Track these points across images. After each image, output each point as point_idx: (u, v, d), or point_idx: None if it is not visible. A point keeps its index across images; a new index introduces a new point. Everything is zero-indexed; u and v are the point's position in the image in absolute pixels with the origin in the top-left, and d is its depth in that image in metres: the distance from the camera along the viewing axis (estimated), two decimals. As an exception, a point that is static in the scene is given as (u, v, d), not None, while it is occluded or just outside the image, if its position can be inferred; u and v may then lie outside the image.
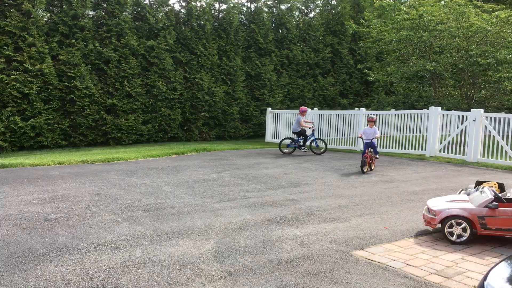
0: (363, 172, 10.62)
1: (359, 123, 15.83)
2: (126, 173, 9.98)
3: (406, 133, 15.08)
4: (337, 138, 16.93)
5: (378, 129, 15.69)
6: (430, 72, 17.42)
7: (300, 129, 14.45)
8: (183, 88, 18.56)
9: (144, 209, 6.80)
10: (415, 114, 15.02)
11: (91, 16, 16.81)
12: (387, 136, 15.41)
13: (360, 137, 11.59)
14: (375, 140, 11.19)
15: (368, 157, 10.89)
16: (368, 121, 11.46)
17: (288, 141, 14.73)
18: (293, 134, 14.93)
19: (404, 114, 15.08)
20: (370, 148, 11.11)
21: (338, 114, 16.97)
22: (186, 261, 4.68)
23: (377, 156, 11.39)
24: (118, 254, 4.83)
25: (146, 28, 17.75)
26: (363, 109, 16.09)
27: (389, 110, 18.67)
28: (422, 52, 18.33)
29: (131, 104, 17.18)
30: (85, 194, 7.75)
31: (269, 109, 19.15)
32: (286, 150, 14.36)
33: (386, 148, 14.90)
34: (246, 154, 14.33)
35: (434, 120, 13.71)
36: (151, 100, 17.80)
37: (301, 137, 14.55)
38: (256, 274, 4.37)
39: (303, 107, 14.96)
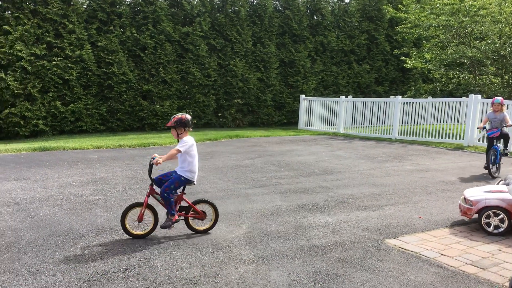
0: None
1: (394, 111, 15.55)
2: (161, 158, 10.16)
3: (444, 121, 14.74)
4: (371, 126, 16.72)
5: (415, 117, 15.41)
6: (470, 59, 16.89)
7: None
8: (217, 74, 18.66)
9: (178, 193, 6.93)
10: (453, 102, 14.64)
11: (128, 3, 17.06)
12: (424, 125, 15.10)
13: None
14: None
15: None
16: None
17: None
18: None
19: (442, 102, 14.72)
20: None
21: (373, 102, 16.72)
22: (219, 245, 4.77)
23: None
24: (153, 236, 4.97)
25: (182, 14, 17.88)
26: (399, 97, 15.79)
27: (426, 98, 18.26)
28: (462, 39, 17.77)
29: (166, 90, 17.42)
30: (122, 177, 7.97)
31: (302, 96, 19.06)
32: None
33: (422, 136, 14.60)
34: (279, 141, 14.35)
35: (474, 109, 13.32)
36: (186, 87, 18.00)
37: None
38: (287, 259, 4.42)
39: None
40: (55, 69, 15.01)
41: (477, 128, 10.17)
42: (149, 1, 17.08)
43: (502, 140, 9.43)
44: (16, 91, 14.30)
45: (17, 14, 14.46)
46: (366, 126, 16.93)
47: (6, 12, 14.55)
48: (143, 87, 16.92)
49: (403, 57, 19.96)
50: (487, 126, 9.59)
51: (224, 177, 8.26)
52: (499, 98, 9.21)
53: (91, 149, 11.45)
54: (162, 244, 4.72)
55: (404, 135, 15.14)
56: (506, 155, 9.57)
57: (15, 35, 14.23)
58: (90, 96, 16.02)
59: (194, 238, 4.93)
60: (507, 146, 9.60)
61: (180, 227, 5.26)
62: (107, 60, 16.10)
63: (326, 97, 20.27)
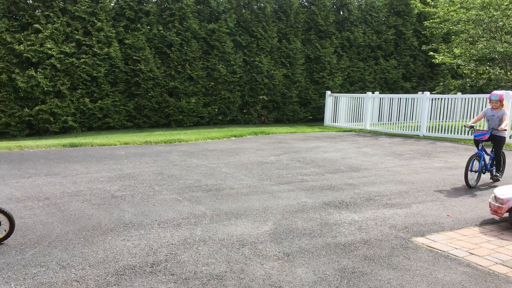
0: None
1: (422, 107, 15.28)
2: (187, 154, 10.27)
3: (473, 118, 14.40)
4: (398, 123, 16.48)
5: (443, 114, 15.10)
6: (501, 54, 16.44)
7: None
8: (242, 71, 18.68)
9: (204, 189, 6.99)
10: (483, 98, 14.29)
11: (155, 0, 17.22)
12: (453, 121, 14.80)
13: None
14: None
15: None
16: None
17: None
18: None
19: (472, 98, 14.39)
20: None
21: (400, 98, 16.47)
22: (244, 241, 4.78)
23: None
24: (179, 232, 5.01)
25: (208, 11, 17.96)
26: (427, 93, 15.50)
27: (456, 94, 17.88)
28: (493, 33, 17.31)
29: (192, 87, 17.55)
30: (148, 173, 8.07)
31: (328, 92, 18.91)
32: None
33: (451, 133, 14.31)
34: (304, 137, 14.28)
35: (505, 105, 12.95)
36: (212, 83, 18.09)
37: None
38: (313, 256, 4.39)
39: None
40: (83, 66, 15.30)
41: (464, 126, 8.50)
42: (175, -2, 17.23)
43: (493, 147, 7.82)
44: (46, 89, 14.63)
45: (47, 13, 14.78)
46: (393, 123, 16.69)
47: (37, 11, 14.89)
48: (170, 83, 17.08)
49: (432, 52, 19.58)
50: (485, 125, 8.27)
51: (249, 173, 8.27)
52: (498, 93, 7.67)
53: (119, 145, 11.63)
54: (188, 240, 4.76)
55: (432, 132, 14.87)
56: (495, 177, 7.79)
57: (45, 34, 14.55)
58: (118, 93, 16.27)
59: (220, 234, 4.95)
60: (500, 165, 7.85)
61: (205, 223, 5.30)
62: (134, 57, 16.31)
63: (352, 93, 20.07)
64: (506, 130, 7.60)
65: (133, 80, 16.46)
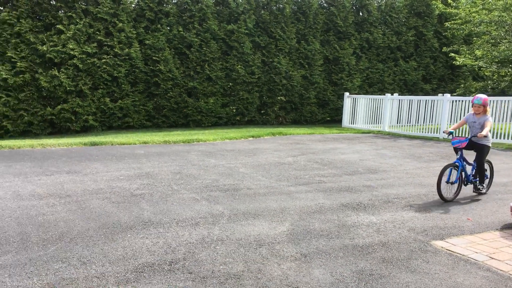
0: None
1: (442, 109, 15.10)
2: (205, 154, 10.34)
3: (495, 121, 14.17)
4: (417, 125, 16.32)
5: (464, 116, 14.87)
6: (524, 56, 16.15)
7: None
8: (261, 71, 18.72)
9: (222, 189, 7.03)
10: (505, 101, 14.05)
11: (176, 1, 17.37)
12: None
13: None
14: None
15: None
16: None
17: None
18: None
19: (493, 101, 14.16)
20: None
21: (420, 100, 16.31)
22: (262, 241, 4.80)
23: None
24: (197, 231, 5.06)
25: (227, 12, 18.04)
26: (448, 95, 15.31)
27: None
28: (516, 35, 17.02)
29: (211, 87, 17.65)
30: (167, 172, 8.15)
31: (346, 93, 18.83)
32: None
33: (471, 136, 14.09)
34: (322, 139, 14.25)
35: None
36: (230, 84, 18.16)
37: None
38: (330, 257, 4.39)
39: None
40: (104, 66, 15.51)
41: (443, 132, 7.68)
42: (195, -1, 17.35)
43: (475, 156, 7.07)
44: (68, 88, 14.88)
45: (70, 14, 15.03)
46: (412, 125, 16.54)
47: (60, 12, 15.15)
48: (188, 84, 17.21)
49: (452, 54, 19.33)
50: (469, 131, 7.55)
51: (266, 174, 8.29)
52: (481, 97, 6.92)
53: (138, 144, 11.77)
54: (206, 239, 4.80)
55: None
56: (478, 190, 7.02)
57: (67, 34, 14.79)
58: (137, 93, 16.45)
59: (237, 234, 4.99)
60: (483, 176, 6.95)
61: (223, 222, 5.34)
62: (154, 58, 16.47)
63: (371, 94, 19.94)
64: (487, 137, 6.86)
65: (153, 80, 16.62)
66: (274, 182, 7.61)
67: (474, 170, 7.07)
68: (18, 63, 14.23)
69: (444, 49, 20.84)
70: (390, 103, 16.91)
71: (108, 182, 7.25)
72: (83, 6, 15.32)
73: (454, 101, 15.16)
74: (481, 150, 6.95)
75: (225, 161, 9.46)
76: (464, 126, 7.89)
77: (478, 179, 7.04)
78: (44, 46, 14.49)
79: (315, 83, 19.89)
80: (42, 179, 7.32)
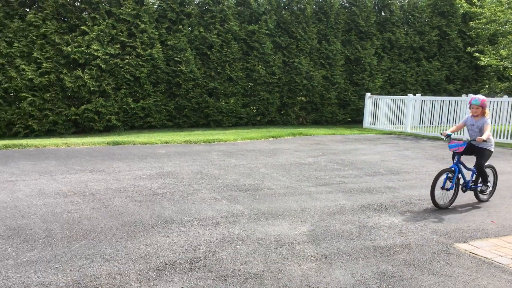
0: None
1: (466, 110, 14.84)
2: (225, 154, 10.38)
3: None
4: (441, 126, 16.08)
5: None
6: (552, 56, 15.77)
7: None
8: (281, 72, 18.70)
9: (242, 189, 7.06)
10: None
11: (197, 2, 17.49)
12: (499, 125, 14.31)
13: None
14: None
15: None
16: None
17: None
18: None
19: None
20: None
21: (443, 101, 16.06)
22: (282, 241, 4.80)
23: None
24: (218, 230, 5.09)
25: (248, 13, 18.08)
26: (472, 96, 15.03)
27: (502, 97, 17.28)
28: (544, 34, 16.63)
29: (231, 87, 17.72)
30: (188, 172, 8.22)
31: (368, 94, 18.67)
32: None
33: (498, 138, 13.84)
34: (343, 139, 14.16)
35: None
36: (251, 84, 18.20)
37: None
38: (351, 258, 4.37)
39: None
40: (127, 67, 15.72)
41: (441, 134, 7.19)
42: (217, 0, 17.42)
43: (475, 160, 6.60)
44: (92, 88, 15.12)
45: (94, 15, 15.27)
46: (435, 126, 16.30)
47: (84, 13, 15.41)
48: (209, 84, 17.30)
49: (477, 54, 19.00)
50: (467, 134, 7.10)
51: (287, 174, 8.29)
52: (479, 98, 6.62)
53: (160, 144, 11.89)
54: (227, 238, 4.83)
55: (476, 136, 14.42)
56: (481, 192, 6.61)
57: (91, 35, 15.03)
58: (159, 93, 16.62)
59: (257, 234, 5.00)
60: (486, 181, 6.53)
61: (243, 222, 5.36)
62: (176, 58, 16.62)
63: (393, 95, 19.73)
64: (487, 141, 6.44)
65: (174, 80, 16.77)
66: (295, 183, 7.61)
67: (474, 176, 6.61)
68: (43, 64, 14.53)
69: (468, 49, 20.50)
70: (413, 104, 16.71)
71: (130, 181, 7.35)
72: (106, 7, 15.55)
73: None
74: (481, 153, 6.50)
75: (246, 161, 9.48)
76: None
77: (479, 185, 6.60)
78: (69, 47, 14.76)
79: (336, 84, 19.78)
80: (66, 178, 7.47)
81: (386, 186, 7.55)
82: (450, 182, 6.29)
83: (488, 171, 6.73)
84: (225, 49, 17.46)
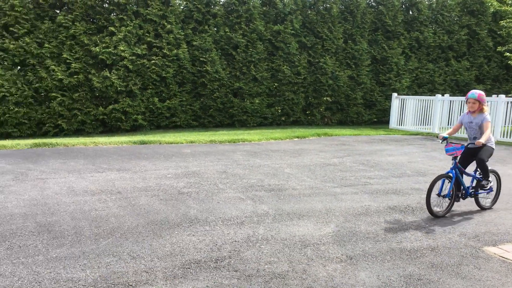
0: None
1: (497, 111, 14.49)
2: (250, 154, 10.40)
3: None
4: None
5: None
6: None
7: None
8: (306, 72, 18.63)
9: (266, 189, 7.06)
10: None
11: (222, 3, 17.58)
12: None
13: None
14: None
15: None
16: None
17: None
18: None
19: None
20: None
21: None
22: (307, 242, 4.78)
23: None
24: (242, 230, 5.11)
25: (273, 13, 18.07)
26: (502, 96, 14.67)
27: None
28: None
29: (256, 88, 17.74)
30: (213, 171, 8.27)
31: (394, 94, 18.42)
32: None
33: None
34: (369, 140, 14.01)
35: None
36: (275, 84, 18.19)
37: None
38: (377, 260, 4.32)
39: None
40: (153, 67, 15.91)
41: (437, 137, 6.46)
42: (243, 0, 17.47)
43: (476, 160, 6.03)
44: (119, 88, 15.37)
45: (121, 16, 15.52)
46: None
47: (112, 14, 15.68)
48: (234, 84, 17.37)
49: (508, 54, 18.52)
50: (466, 134, 6.38)
51: (312, 174, 8.25)
52: (476, 92, 6.08)
53: (185, 143, 11.99)
54: (251, 238, 4.84)
55: (507, 137, 14.08)
56: (481, 187, 6.12)
57: (119, 36, 15.28)
58: (185, 93, 16.77)
59: (282, 234, 4.99)
60: (486, 171, 6.02)
61: (268, 222, 5.36)
62: (201, 58, 16.74)
63: (420, 95, 19.42)
64: (489, 141, 6.00)
65: (200, 80, 16.89)
66: (319, 183, 7.56)
67: (474, 182, 6.18)
68: (72, 64, 14.85)
69: (499, 48, 20.01)
70: (441, 104, 16.41)
71: (156, 180, 7.44)
72: (134, 8, 15.78)
73: (510, 103, 14.51)
74: (483, 149, 6.00)
75: (270, 161, 9.48)
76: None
77: (479, 191, 6.17)
78: (97, 47, 15.03)
79: (362, 84, 19.58)
80: (94, 176, 7.61)
81: (413, 187, 7.44)
82: (447, 188, 5.86)
83: (491, 177, 6.27)
84: (250, 49, 17.50)
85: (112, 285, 3.67)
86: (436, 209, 5.83)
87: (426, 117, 16.91)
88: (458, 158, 5.93)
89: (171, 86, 16.39)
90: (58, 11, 15.15)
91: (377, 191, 7.09)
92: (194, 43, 16.67)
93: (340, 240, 4.86)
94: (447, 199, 5.90)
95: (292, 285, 3.77)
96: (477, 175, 6.16)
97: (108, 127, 15.97)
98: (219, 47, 17.21)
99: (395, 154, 11.03)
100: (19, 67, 14.78)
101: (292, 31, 18.10)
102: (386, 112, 19.87)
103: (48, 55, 14.65)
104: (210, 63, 16.81)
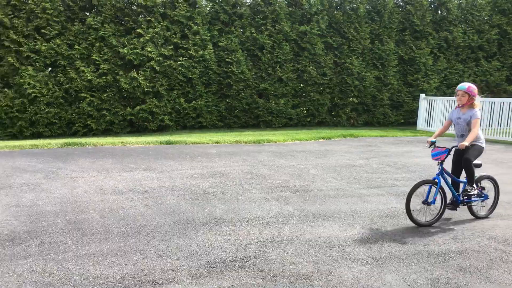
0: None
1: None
2: (275, 155, 10.41)
3: None
4: (500, 129, 15.37)
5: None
6: None
7: None
8: (332, 73, 18.51)
9: (292, 189, 7.06)
10: None
11: (249, 3, 17.63)
12: None
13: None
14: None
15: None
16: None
17: None
18: None
19: None
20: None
21: (503, 102, 15.35)
22: (332, 243, 4.76)
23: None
24: (268, 230, 5.12)
25: (299, 13, 18.02)
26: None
27: None
28: None
29: (282, 88, 17.72)
30: (238, 172, 8.31)
31: (422, 95, 18.14)
32: None
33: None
34: (395, 141, 13.84)
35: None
36: (301, 85, 18.13)
37: None
38: (403, 263, 4.27)
39: None
40: (180, 68, 16.08)
41: (426, 142, 5.91)
42: (269, 1, 17.49)
43: (463, 161, 5.65)
44: (146, 89, 15.59)
45: (149, 18, 15.74)
46: (493, 128, 15.60)
47: (140, 16, 15.92)
48: (260, 85, 17.39)
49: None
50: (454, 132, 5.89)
51: (337, 176, 8.20)
52: (466, 84, 5.70)
53: (210, 144, 12.08)
54: (276, 238, 4.85)
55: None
56: (464, 192, 5.67)
57: (146, 37, 15.51)
58: (211, 94, 16.89)
59: (307, 235, 4.99)
60: (471, 174, 5.62)
61: (293, 223, 5.35)
62: (227, 59, 16.83)
63: (449, 96, 19.06)
64: (478, 140, 5.60)
65: (225, 81, 16.98)
66: (345, 184, 7.51)
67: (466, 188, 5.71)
68: (101, 65, 15.13)
69: (532, 47, 19.49)
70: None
71: (182, 180, 7.52)
72: (161, 10, 15.98)
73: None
74: (471, 148, 5.57)
75: (295, 162, 9.47)
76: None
77: (472, 199, 5.72)
78: (125, 49, 15.29)
79: (389, 84, 19.33)
80: (122, 175, 7.74)
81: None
82: (433, 195, 5.39)
83: (487, 184, 5.91)
84: (277, 50, 17.50)
85: (139, 283, 3.74)
86: (420, 217, 5.43)
87: (455, 119, 16.56)
88: (443, 162, 5.56)
89: (197, 86, 16.53)
90: (87, 13, 15.47)
91: (404, 193, 6.99)
92: (220, 44, 16.77)
93: (366, 242, 4.82)
94: (435, 206, 5.47)
95: (317, 286, 3.76)
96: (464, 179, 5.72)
97: (135, 127, 16.21)
98: (244, 48, 17.27)
99: (422, 156, 10.86)
100: (50, 68, 15.15)
101: (318, 32, 18.01)
102: (414, 113, 19.57)
103: (78, 57, 14.97)
104: (235, 64, 16.88)
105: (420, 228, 5.31)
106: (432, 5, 20.44)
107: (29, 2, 14.24)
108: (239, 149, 11.25)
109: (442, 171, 5.56)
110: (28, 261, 4.10)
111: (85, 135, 15.20)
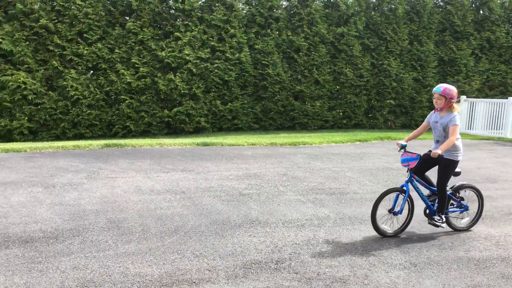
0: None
1: None
2: (310, 157, 10.37)
3: None
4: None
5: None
6: None
7: None
8: (369, 74, 18.27)
9: (327, 192, 7.01)
10: None
11: (285, 6, 17.63)
12: None
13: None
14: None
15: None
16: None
17: None
18: None
19: None
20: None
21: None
22: (369, 247, 4.71)
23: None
24: (303, 232, 5.11)
25: (336, 15, 17.89)
26: None
27: None
28: None
29: (318, 90, 17.63)
30: (273, 174, 8.33)
31: (463, 97, 17.64)
32: None
33: None
34: (435, 144, 13.51)
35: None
36: (337, 87, 17.99)
37: None
38: (442, 269, 4.18)
39: None
40: (216, 71, 16.26)
41: (396, 144, 5.45)
42: (305, 3, 17.45)
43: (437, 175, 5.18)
44: (183, 91, 15.84)
45: (187, 22, 16.00)
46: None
47: (178, 20, 16.20)
48: (296, 87, 17.36)
49: None
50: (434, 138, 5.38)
51: (374, 179, 8.09)
52: (442, 86, 5.09)
53: (246, 145, 12.15)
54: (311, 241, 4.83)
55: None
56: (432, 224, 5.17)
57: (184, 41, 15.76)
58: (246, 96, 16.98)
59: (343, 238, 4.95)
60: (443, 203, 5.11)
61: (328, 225, 5.32)
62: (263, 62, 16.89)
63: (491, 98, 18.47)
64: (452, 152, 5.14)
65: (261, 83, 17.04)
66: (382, 188, 7.40)
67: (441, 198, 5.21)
68: (140, 68, 15.48)
69: None
70: (504, 108, 15.52)
71: (218, 181, 7.60)
72: (198, 14, 16.21)
73: None
74: (441, 167, 5.13)
75: (331, 165, 9.40)
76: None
77: (450, 209, 5.30)
78: (163, 52, 15.58)
79: (428, 86, 18.90)
80: (160, 176, 7.90)
81: (483, 195, 7.09)
82: (400, 204, 5.04)
83: (470, 195, 5.47)
84: (313, 52, 17.43)
85: (177, 282, 3.81)
86: (385, 227, 5.09)
87: (498, 121, 16.05)
88: (413, 169, 5.13)
89: (233, 89, 16.66)
90: (127, 18, 15.86)
91: (443, 198, 6.83)
92: (256, 46, 16.85)
93: (404, 247, 4.75)
94: (402, 216, 5.11)
95: (353, 290, 3.73)
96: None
97: (172, 129, 16.49)
98: (280, 50, 17.28)
99: (463, 159, 10.55)
100: (91, 72, 15.62)
101: (356, 33, 17.82)
102: (454, 115, 19.05)
103: (118, 60, 15.37)
104: (271, 66, 16.92)
105: (460, 234, 5.18)
106: (473, 5, 19.87)
107: (72, 7, 14.72)
108: (274, 151, 11.27)
109: (412, 179, 5.16)
110: (71, 258, 4.25)
111: (124, 136, 15.58)
